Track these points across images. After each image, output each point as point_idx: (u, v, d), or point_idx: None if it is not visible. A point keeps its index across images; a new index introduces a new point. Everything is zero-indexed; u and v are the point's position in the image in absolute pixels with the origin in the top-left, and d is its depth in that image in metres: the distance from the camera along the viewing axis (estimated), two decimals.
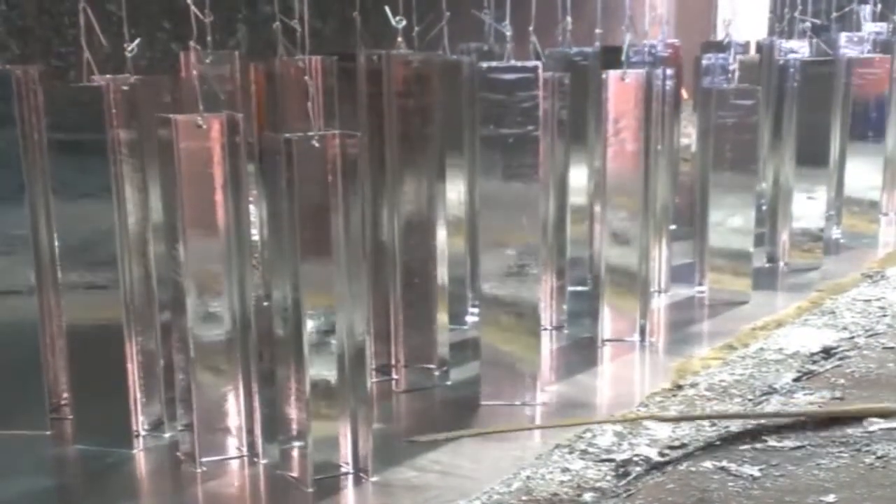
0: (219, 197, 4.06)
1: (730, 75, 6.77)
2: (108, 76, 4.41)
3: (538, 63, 4.70)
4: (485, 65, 4.72)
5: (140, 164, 4.29)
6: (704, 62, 7.18)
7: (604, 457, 4.18)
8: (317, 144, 3.88)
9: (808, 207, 7.13)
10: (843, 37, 8.41)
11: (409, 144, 4.95)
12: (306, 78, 4.20)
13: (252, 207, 4.90)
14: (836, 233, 7.92)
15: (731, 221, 6.35)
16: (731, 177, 6.29)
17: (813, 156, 7.12)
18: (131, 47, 4.29)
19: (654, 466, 4.08)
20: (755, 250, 6.54)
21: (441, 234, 5.04)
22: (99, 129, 4.16)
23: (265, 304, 5.09)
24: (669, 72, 6.41)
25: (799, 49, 7.86)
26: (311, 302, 3.94)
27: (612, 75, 5.44)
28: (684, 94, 8.84)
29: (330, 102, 4.95)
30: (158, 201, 4.24)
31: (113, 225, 4.22)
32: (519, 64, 4.67)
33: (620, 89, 5.44)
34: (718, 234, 6.38)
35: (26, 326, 4.46)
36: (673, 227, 7.00)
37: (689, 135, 8.87)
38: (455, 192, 5.64)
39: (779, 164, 7.26)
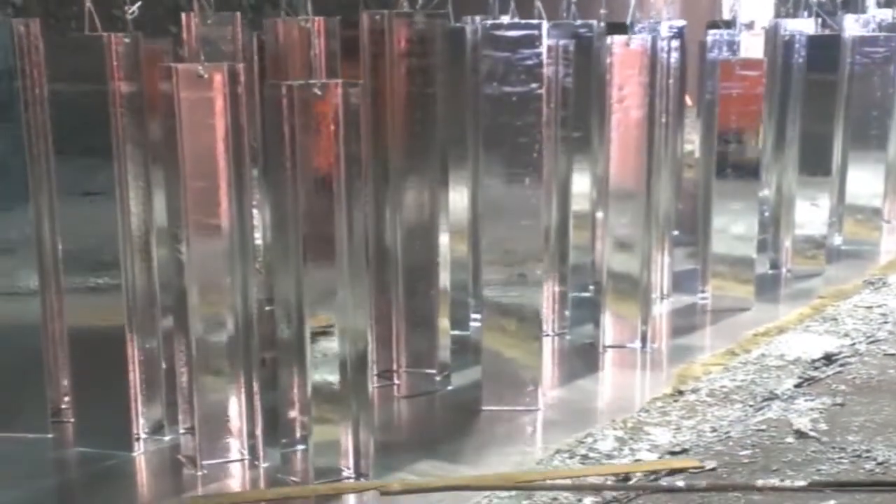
0: (220, 150, 4.04)
1: (735, 46, 6.76)
2: None
3: (542, 21, 4.69)
4: (489, 22, 4.70)
5: (141, 120, 4.25)
6: (710, 38, 7.13)
7: (604, 462, 4.18)
8: (318, 92, 3.89)
9: (811, 214, 7.13)
10: (849, 18, 8.39)
11: (411, 106, 4.91)
12: (307, 26, 4.18)
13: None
14: (837, 240, 7.91)
15: (733, 228, 6.36)
16: (734, 178, 6.29)
17: (816, 158, 7.13)
18: (132, 10, 4.26)
19: (653, 472, 4.09)
20: (758, 256, 6.54)
21: (444, 237, 5.06)
22: (100, 80, 4.12)
23: (267, 308, 5.09)
24: (675, 43, 6.41)
25: (804, 29, 7.81)
26: (314, 301, 3.96)
27: (617, 40, 5.43)
28: (688, 100, 8.83)
29: (333, 65, 4.92)
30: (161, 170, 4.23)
31: (113, 178, 4.19)
32: (523, 21, 4.67)
33: (625, 55, 5.42)
34: (721, 240, 6.38)
35: (28, 328, 4.45)
36: (675, 232, 7.01)
37: (692, 141, 8.86)
38: (457, 165, 5.54)
39: (781, 171, 7.27)
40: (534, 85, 4.57)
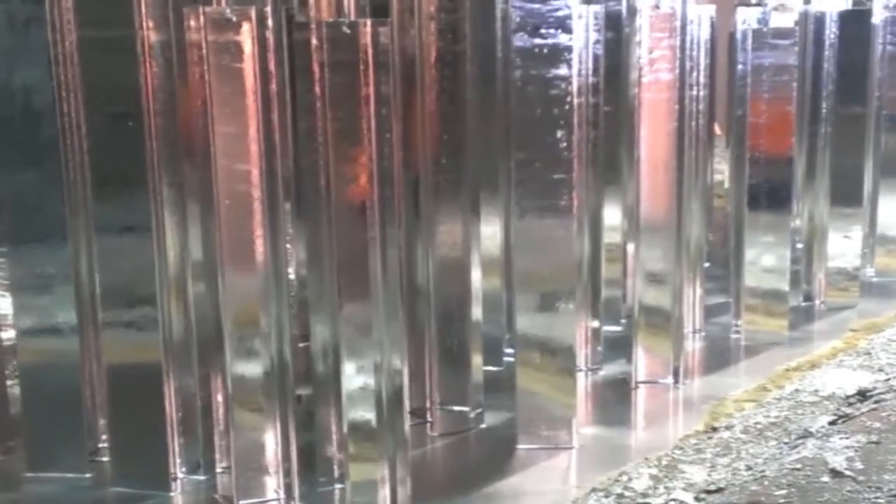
0: (250, 99, 4.02)
1: (766, 20, 6.73)
2: None
3: None
4: None
5: (168, 69, 4.24)
6: (739, 15, 7.06)
7: (640, 501, 4.18)
8: (347, 31, 3.92)
9: (844, 246, 7.12)
10: (878, 2, 8.34)
11: (440, 63, 4.88)
12: None
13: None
14: (869, 271, 7.88)
15: (765, 260, 6.35)
16: (766, 207, 6.28)
17: (847, 186, 7.14)
18: None
19: None
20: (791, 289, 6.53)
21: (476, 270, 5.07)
22: (127, 24, 4.13)
23: (301, 345, 5.11)
24: (706, 15, 6.45)
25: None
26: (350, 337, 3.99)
27: (646, 3, 5.45)
28: (717, 129, 8.85)
29: None
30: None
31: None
32: None
33: (655, 18, 5.44)
34: (753, 273, 6.37)
35: (67, 366, 4.49)
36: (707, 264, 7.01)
37: (721, 171, 8.88)
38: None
39: (813, 203, 7.25)
40: (564, 36, 4.59)
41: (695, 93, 5.97)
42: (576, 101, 4.67)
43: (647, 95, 5.48)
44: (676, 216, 5.55)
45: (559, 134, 4.63)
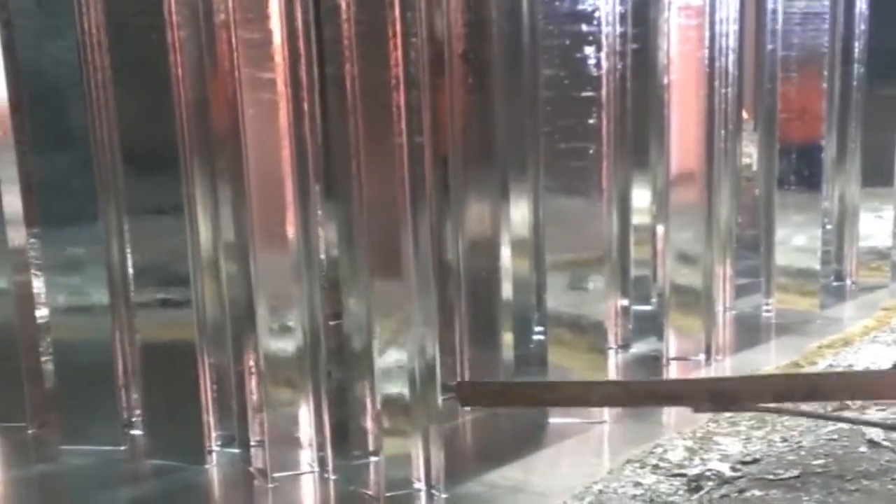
0: (273, 4, 3.94)
1: None
2: None
3: None
4: None
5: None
6: None
7: (675, 471, 4.16)
8: None
9: (875, 225, 7.07)
10: None
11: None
12: None
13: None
14: None
15: (796, 239, 6.32)
16: (796, 186, 6.23)
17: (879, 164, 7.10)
18: None
19: (725, 481, 4.06)
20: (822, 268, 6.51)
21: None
22: None
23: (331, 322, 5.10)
24: None
25: None
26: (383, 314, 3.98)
27: None
28: (745, 114, 8.79)
29: None
30: None
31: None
32: None
33: None
34: (784, 252, 6.34)
35: (99, 343, 4.50)
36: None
37: (750, 154, 8.80)
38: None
39: (844, 183, 7.20)
40: None
41: (723, 28, 5.86)
42: (604, 22, 4.55)
43: (678, 21, 5.34)
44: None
45: (587, 50, 4.54)
